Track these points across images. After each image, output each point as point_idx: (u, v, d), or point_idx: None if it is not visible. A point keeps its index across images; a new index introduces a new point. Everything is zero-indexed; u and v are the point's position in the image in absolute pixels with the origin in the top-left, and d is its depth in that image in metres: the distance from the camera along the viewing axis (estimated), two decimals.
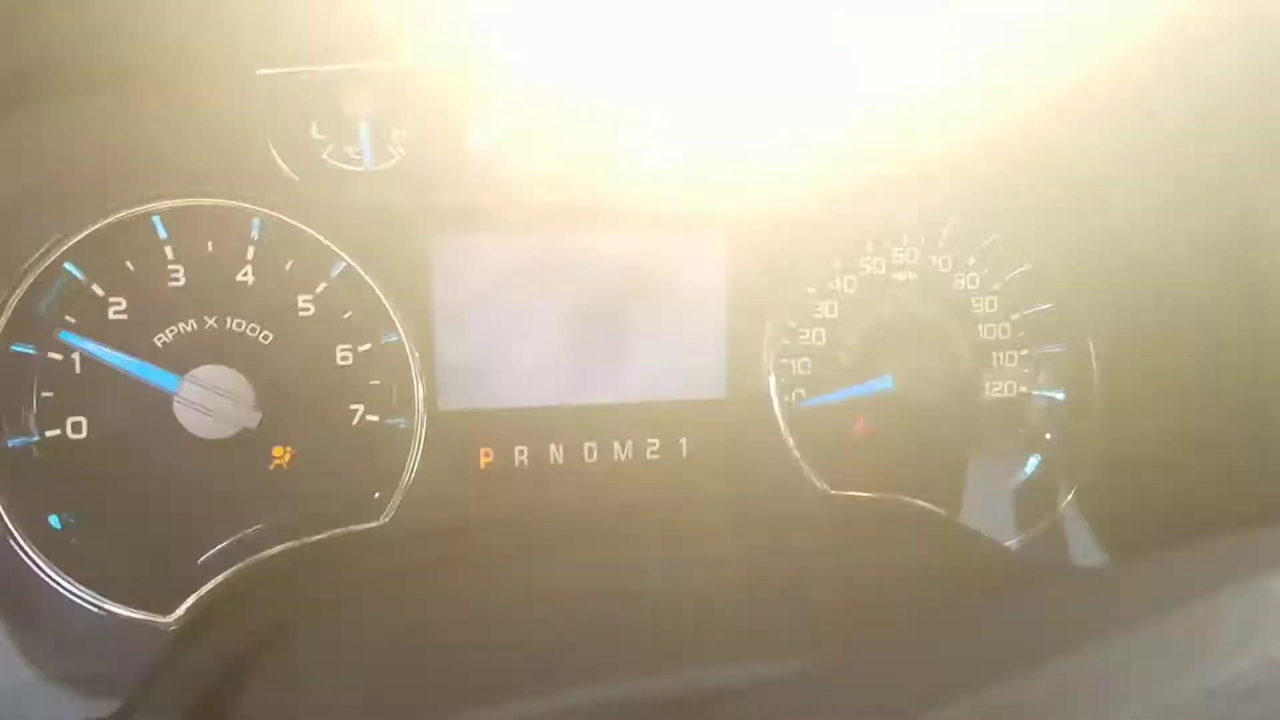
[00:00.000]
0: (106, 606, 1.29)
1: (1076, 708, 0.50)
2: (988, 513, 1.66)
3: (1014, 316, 1.71)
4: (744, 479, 1.54)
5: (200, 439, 1.35)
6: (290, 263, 1.42)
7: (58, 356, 1.33)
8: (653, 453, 1.58)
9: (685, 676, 0.86)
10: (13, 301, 1.30)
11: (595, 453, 1.56)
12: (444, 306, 1.50)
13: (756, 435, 1.56)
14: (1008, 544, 1.64)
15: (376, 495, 1.44)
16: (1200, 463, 1.49)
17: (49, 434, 1.33)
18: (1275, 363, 1.31)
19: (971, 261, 1.69)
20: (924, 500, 1.59)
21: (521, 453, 1.54)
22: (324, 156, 1.41)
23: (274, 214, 1.38)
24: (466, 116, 1.45)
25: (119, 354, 1.34)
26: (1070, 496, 1.68)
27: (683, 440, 1.59)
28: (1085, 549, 1.65)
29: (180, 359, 1.36)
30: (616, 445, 1.57)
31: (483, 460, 1.53)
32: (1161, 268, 1.53)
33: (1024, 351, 1.72)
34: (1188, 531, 1.42)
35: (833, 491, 1.56)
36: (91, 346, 1.33)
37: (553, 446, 1.55)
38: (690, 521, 1.46)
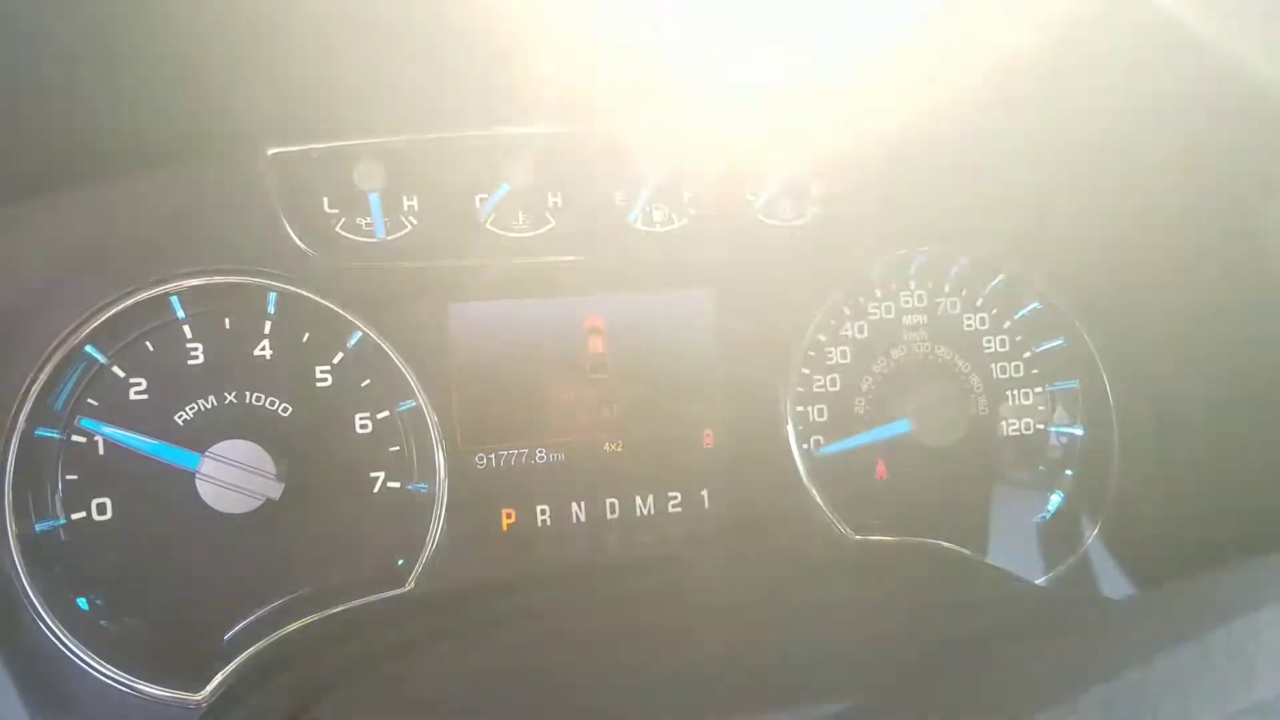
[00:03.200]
0: (137, 686, 1.29)
1: None
2: (1014, 551, 1.65)
3: (1026, 354, 1.71)
4: (767, 528, 1.53)
5: (224, 514, 1.35)
6: (307, 335, 1.44)
7: (81, 439, 1.35)
8: (674, 506, 1.58)
9: None
10: (35, 387, 1.31)
11: (618, 509, 1.56)
12: (462, 370, 1.51)
13: (777, 484, 1.56)
14: (1036, 581, 1.62)
15: (400, 563, 1.44)
16: (1223, 491, 1.48)
17: (75, 516, 1.34)
18: None
19: (980, 302, 1.70)
20: (949, 542, 1.58)
21: (544, 512, 1.54)
22: (337, 229, 1.44)
23: (289, 288, 1.40)
24: (475, 184, 1.48)
25: (140, 437, 1.35)
26: (1096, 532, 1.67)
27: (704, 492, 1.59)
28: (1114, 584, 1.63)
29: (201, 436, 1.37)
30: (638, 500, 1.57)
31: (505, 521, 1.53)
32: (1174, 297, 1.53)
33: (1039, 389, 1.72)
34: (1216, 560, 1.41)
35: (856, 536, 1.55)
36: (113, 432, 1.34)
37: (574, 505, 1.55)
38: (716, 573, 1.46)
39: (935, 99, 1.38)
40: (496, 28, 1.04)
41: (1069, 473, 1.71)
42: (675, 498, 1.59)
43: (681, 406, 1.60)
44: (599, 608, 1.33)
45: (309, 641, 1.32)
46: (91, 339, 1.34)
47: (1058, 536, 1.68)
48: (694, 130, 1.50)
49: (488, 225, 1.49)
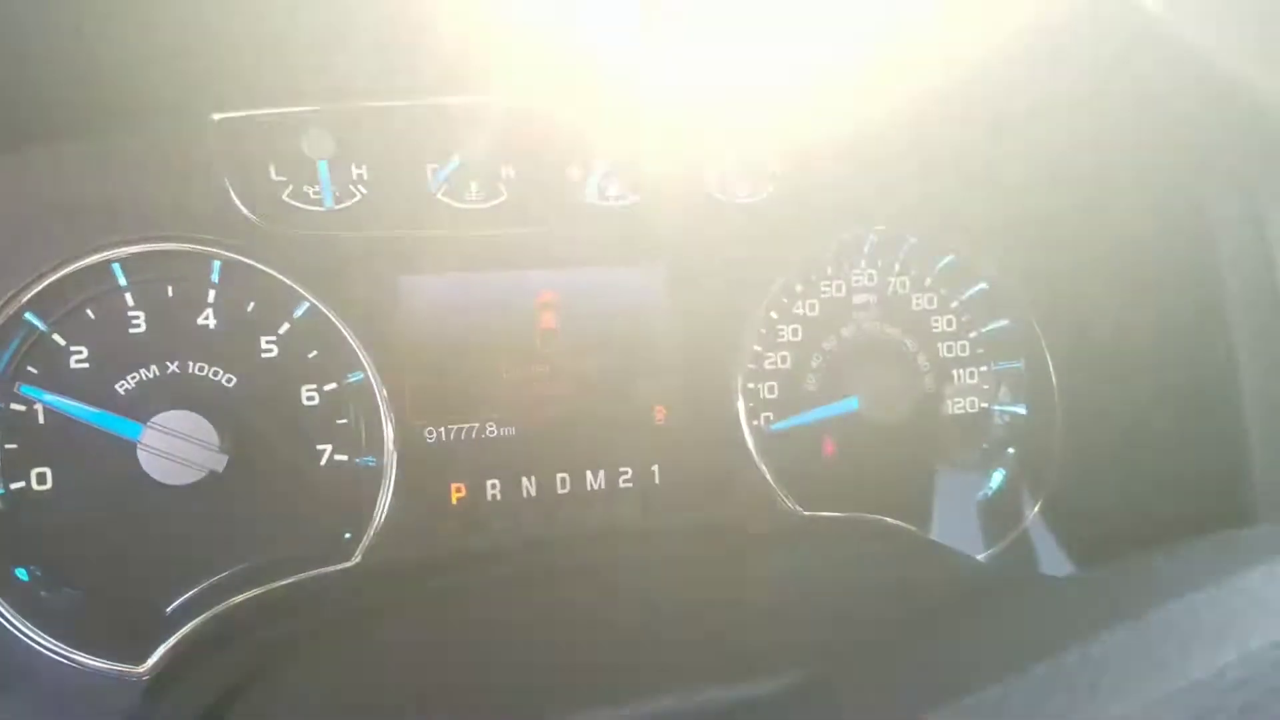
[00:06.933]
0: (77, 658, 1.27)
1: (1063, 707, 0.51)
2: (956, 527, 1.68)
3: (972, 334, 1.74)
4: (717, 503, 1.54)
5: (166, 485, 1.33)
6: (252, 305, 1.42)
7: (20, 408, 1.32)
8: (625, 481, 1.59)
9: (667, 702, 0.86)
10: None
11: (569, 484, 1.56)
12: (412, 343, 1.50)
13: (728, 460, 1.57)
14: (978, 557, 1.65)
15: (347, 536, 1.43)
16: (1162, 471, 1.51)
17: (13, 486, 1.31)
18: (1232, 367, 1.34)
19: (929, 282, 1.72)
20: (894, 517, 1.60)
21: (494, 486, 1.54)
22: (284, 197, 1.41)
23: (234, 256, 1.38)
24: (426, 154, 1.46)
25: (81, 405, 1.32)
26: (1036, 508, 1.70)
27: (655, 467, 1.60)
28: (1053, 560, 1.67)
29: (143, 405, 1.34)
30: (589, 474, 1.57)
31: (454, 496, 1.53)
32: (1118, 280, 1.56)
33: (983, 368, 1.75)
34: (1154, 539, 1.44)
35: (805, 512, 1.57)
36: (53, 399, 1.32)
37: (525, 480, 1.55)
38: (665, 547, 1.47)
39: (891, 83, 1.39)
40: None
41: (1011, 451, 1.74)
42: (626, 473, 1.59)
43: (633, 382, 1.60)
44: (548, 583, 1.33)
45: (254, 615, 1.30)
46: (31, 306, 1.31)
47: (999, 513, 1.71)
48: (650, 106, 1.49)
49: (439, 196, 1.48)
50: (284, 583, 1.35)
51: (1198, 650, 0.52)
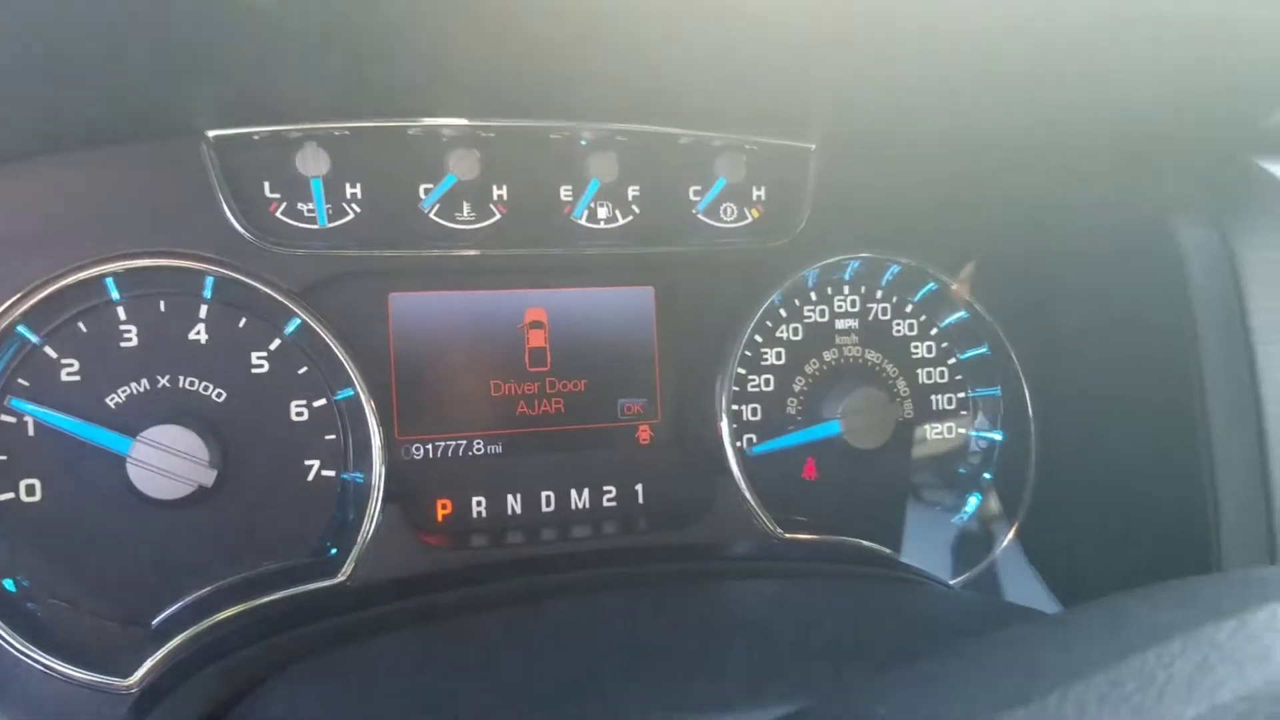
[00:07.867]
0: (64, 670, 1.27)
1: None
2: (932, 551, 1.70)
3: (951, 361, 1.77)
4: (699, 524, 1.56)
5: (154, 499, 1.34)
6: (243, 320, 1.43)
7: (10, 419, 1.32)
8: (609, 500, 1.61)
9: None
10: None
11: (553, 502, 1.58)
12: (401, 360, 1.52)
13: (710, 481, 1.59)
14: (951, 582, 1.68)
15: (334, 552, 1.44)
16: (1132, 503, 1.54)
17: (3, 497, 1.31)
18: (1203, 409, 1.37)
19: (910, 309, 1.75)
20: (872, 541, 1.63)
21: (479, 504, 1.55)
22: (278, 215, 1.43)
23: (227, 272, 1.39)
24: (420, 174, 1.48)
25: (70, 419, 1.33)
26: (1011, 535, 1.73)
27: (638, 487, 1.62)
28: (1026, 587, 1.69)
29: (133, 419, 1.35)
30: (574, 493, 1.59)
31: (440, 512, 1.54)
32: (1095, 311, 1.59)
33: (961, 394, 1.78)
34: (1126, 569, 1.47)
35: (785, 534, 1.59)
36: (43, 413, 1.32)
37: (510, 497, 1.56)
38: (647, 568, 1.49)
39: (872, 111, 1.41)
40: (444, 18, 1.04)
41: (987, 476, 1.77)
42: (610, 492, 1.61)
43: (618, 402, 1.63)
44: (532, 600, 1.34)
45: (241, 629, 1.31)
46: (24, 319, 1.31)
47: (974, 539, 1.74)
48: (639, 130, 1.51)
49: (431, 215, 1.49)
50: (270, 598, 1.36)
51: (1170, 703, 0.55)
